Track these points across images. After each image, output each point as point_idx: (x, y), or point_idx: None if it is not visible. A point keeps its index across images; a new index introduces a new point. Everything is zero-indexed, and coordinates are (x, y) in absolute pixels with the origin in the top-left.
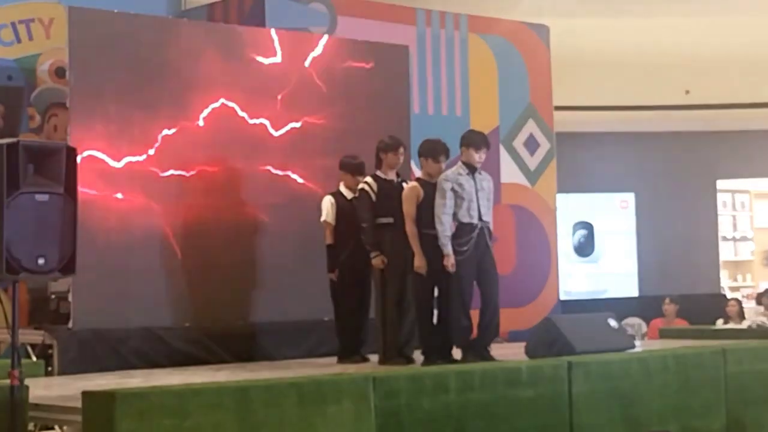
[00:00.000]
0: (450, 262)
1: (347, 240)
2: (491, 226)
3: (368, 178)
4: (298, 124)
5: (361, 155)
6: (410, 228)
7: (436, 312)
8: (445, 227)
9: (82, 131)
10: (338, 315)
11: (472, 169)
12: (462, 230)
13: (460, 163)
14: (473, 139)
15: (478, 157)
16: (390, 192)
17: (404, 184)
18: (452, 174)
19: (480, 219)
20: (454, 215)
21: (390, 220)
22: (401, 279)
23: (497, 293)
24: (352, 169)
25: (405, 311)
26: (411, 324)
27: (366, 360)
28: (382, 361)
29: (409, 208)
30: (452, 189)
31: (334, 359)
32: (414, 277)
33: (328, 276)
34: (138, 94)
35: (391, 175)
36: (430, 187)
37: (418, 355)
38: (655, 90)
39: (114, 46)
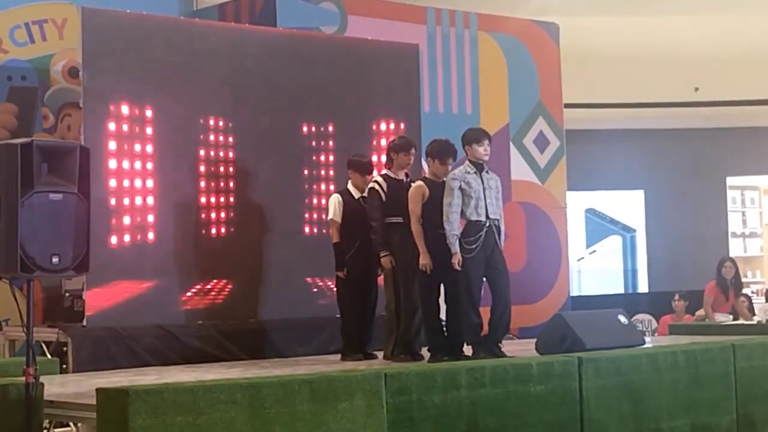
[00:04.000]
0: (456, 259)
1: (354, 238)
2: (501, 224)
3: (378, 178)
4: (308, 123)
5: (369, 154)
6: (415, 227)
7: (444, 309)
8: (453, 226)
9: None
10: (343, 312)
11: (479, 168)
12: (470, 228)
13: (467, 161)
14: (473, 135)
15: (483, 150)
16: (400, 191)
17: (413, 183)
18: (460, 173)
19: (488, 217)
20: (462, 213)
21: (399, 219)
22: (412, 277)
23: (508, 290)
24: (360, 167)
25: (415, 309)
26: (419, 321)
27: (371, 357)
28: (388, 357)
29: (414, 207)
30: (460, 187)
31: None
32: (419, 274)
33: (336, 274)
34: (150, 94)
35: (401, 175)
36: (435, 186)
37: (425, 352)
38: (665, 87)
39: (126, 46)
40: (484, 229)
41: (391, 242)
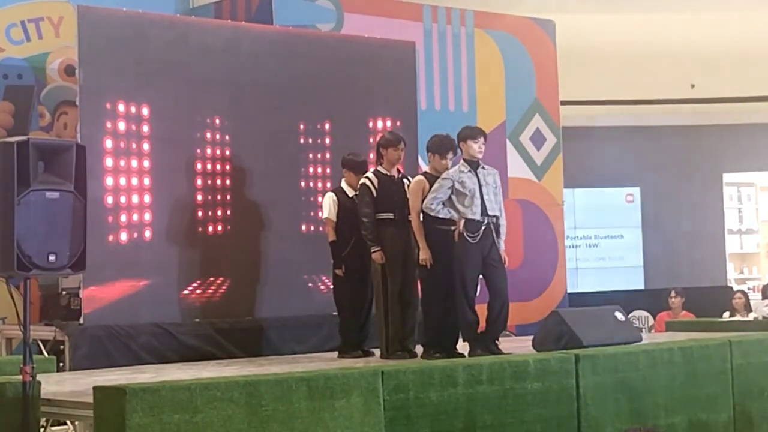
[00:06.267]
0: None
1: (349, 236)
2: (502, 221)
3: (369, 174)
4: (304, 121)
5: (363, 153)
6: (415, 222)
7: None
8: (436, 210)
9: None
10: (341, 310)
11: (474, 165)
12: (468, 227)
13: (462, 160)
14: (467, 132)
15: (478, 147)
16: (390, 187)
17: (405, 180)
18: (454, 172)
19: (486, 214)
20: (458, 211)
21: (390, 215)
22: (401, 273)
23: (506, 287)
24: (355, 166)
25: (406, 305)
26: (413, 318)
27: (368, 354)
28: (384, 356)
29: (414, 202)
30: (452, 186)
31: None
32: (420, 270)
33: (335, 272)
34: (146, 92)
35: (392, 171)
36: (436, 181)
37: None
38: (661, 84)
39: (123, 44)
40: (482, 228)
41: (382, 238)
